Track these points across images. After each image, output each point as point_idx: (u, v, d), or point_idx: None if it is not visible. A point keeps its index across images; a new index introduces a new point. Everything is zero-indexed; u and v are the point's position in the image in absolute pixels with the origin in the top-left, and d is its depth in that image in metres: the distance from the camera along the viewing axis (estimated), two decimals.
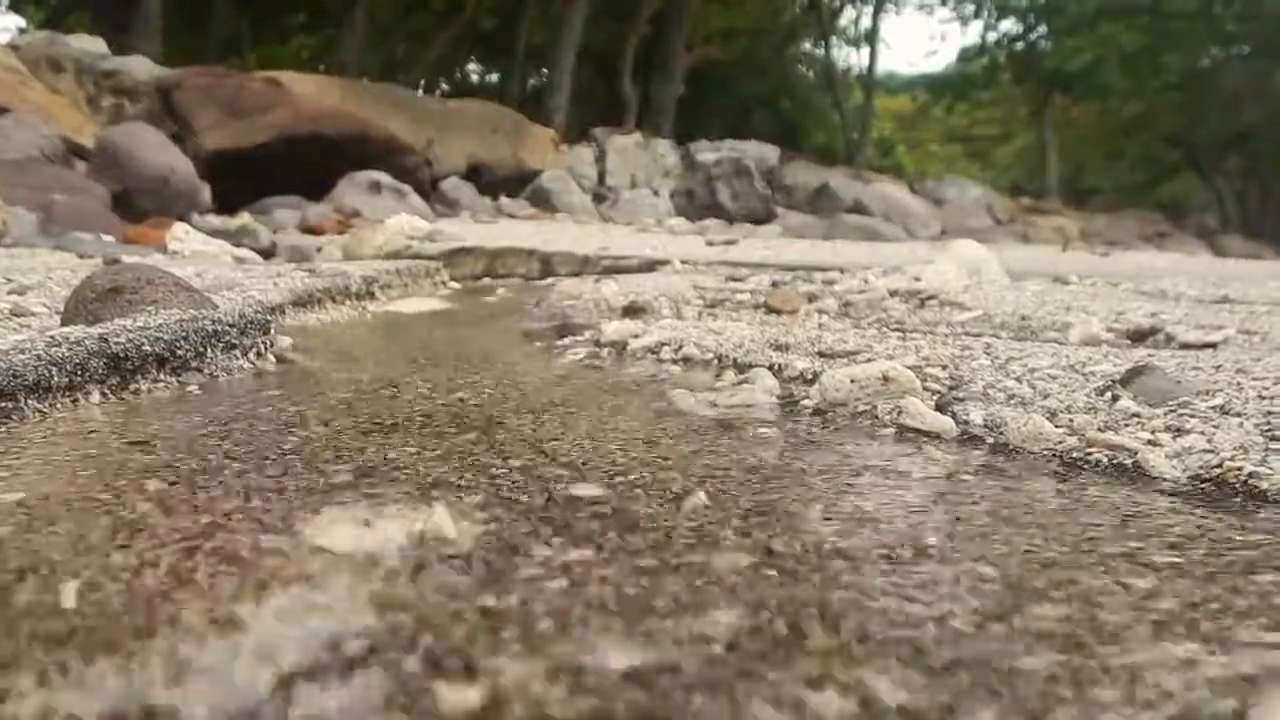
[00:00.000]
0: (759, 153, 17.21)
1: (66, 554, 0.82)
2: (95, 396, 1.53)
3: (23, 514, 0.94)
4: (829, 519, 1.00)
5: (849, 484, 1.16)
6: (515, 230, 9.36)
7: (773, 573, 0.83)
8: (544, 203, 14.41)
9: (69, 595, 0.72)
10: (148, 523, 0.92)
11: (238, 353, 1.90)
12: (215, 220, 7.53)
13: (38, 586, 0.75)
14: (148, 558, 0.82)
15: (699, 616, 0.72)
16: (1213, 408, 1.43)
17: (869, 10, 32.06)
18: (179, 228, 5.65)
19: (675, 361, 2.14)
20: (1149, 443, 1.30)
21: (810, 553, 0.88)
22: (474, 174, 14.73)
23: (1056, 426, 1.39)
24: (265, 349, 2.01)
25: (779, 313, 3.29)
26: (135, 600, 0.72)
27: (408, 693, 0.59)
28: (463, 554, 0.85)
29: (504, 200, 14.24)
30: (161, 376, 1.69)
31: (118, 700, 0.58)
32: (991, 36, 33.13)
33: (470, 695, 0.59)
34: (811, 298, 3.73)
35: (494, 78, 30.33)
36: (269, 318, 2.10)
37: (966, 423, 1.46)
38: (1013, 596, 0.78)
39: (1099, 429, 1.36)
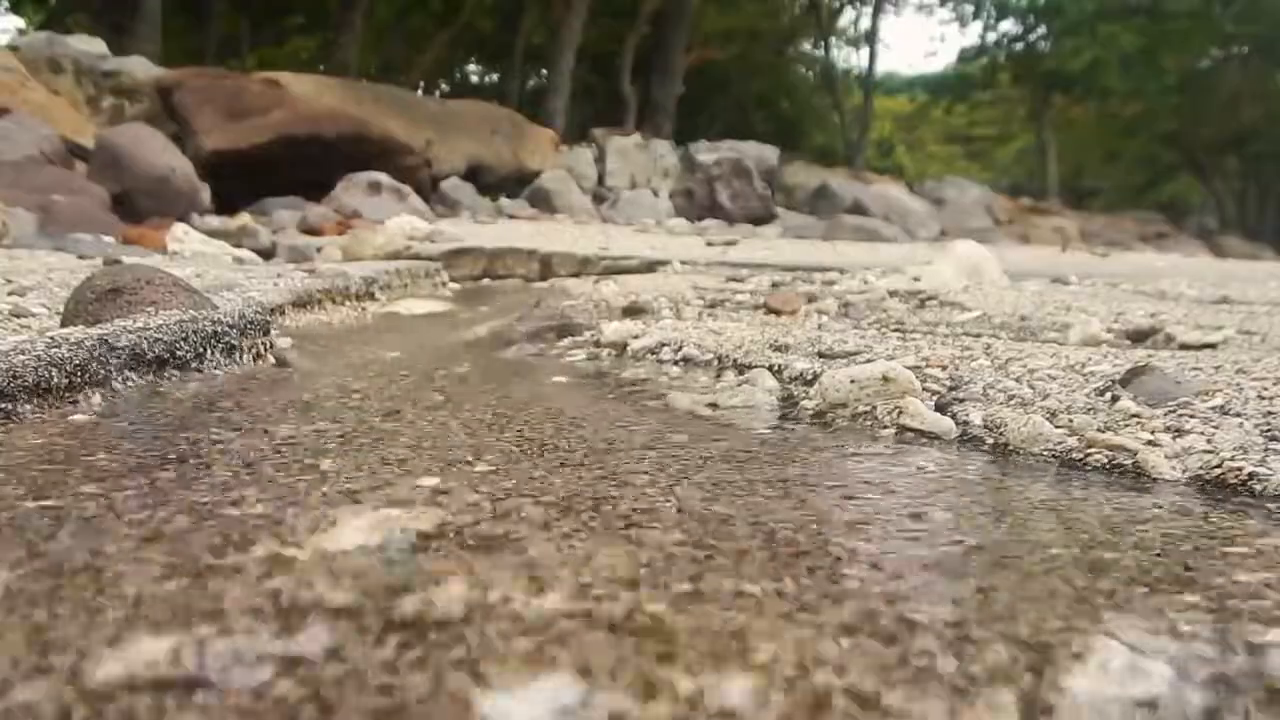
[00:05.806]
0: (758, 153, 17.19)
1: None
2: (95, 398, 1.53)
3: None
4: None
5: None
6: (515, 231, 9.36)
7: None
8: (544, 203, 14.40)
9: None
10: None
11: (237, 354, 1.90)
12: (215, 221, 7.53)
13: None
14: None
15: None
16: (1212, 408, 1.43)
17: (868, 11, 32.12)
18: (179, 228, 5.65)
19: (675, 362, 2.14)
20: (1149, 443, 1.30)
21: None
22: (474, 174, 14.72)
23: (1056, 427, 1.39)
24: (265, 350, 2.01)
25: (779, 313, 3.29)
26: None
27: None
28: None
29: (504, 201, 14.24)
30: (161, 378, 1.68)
31: None
32: (991, 37, 33.22)
33: None
34: (811, 298, 3.73)
35: (493, 78, 30.37)
36: (268, 319, 2.10)
37: (966, 423, 1.46)
38: None
39: (1099, 429, 1.36)
